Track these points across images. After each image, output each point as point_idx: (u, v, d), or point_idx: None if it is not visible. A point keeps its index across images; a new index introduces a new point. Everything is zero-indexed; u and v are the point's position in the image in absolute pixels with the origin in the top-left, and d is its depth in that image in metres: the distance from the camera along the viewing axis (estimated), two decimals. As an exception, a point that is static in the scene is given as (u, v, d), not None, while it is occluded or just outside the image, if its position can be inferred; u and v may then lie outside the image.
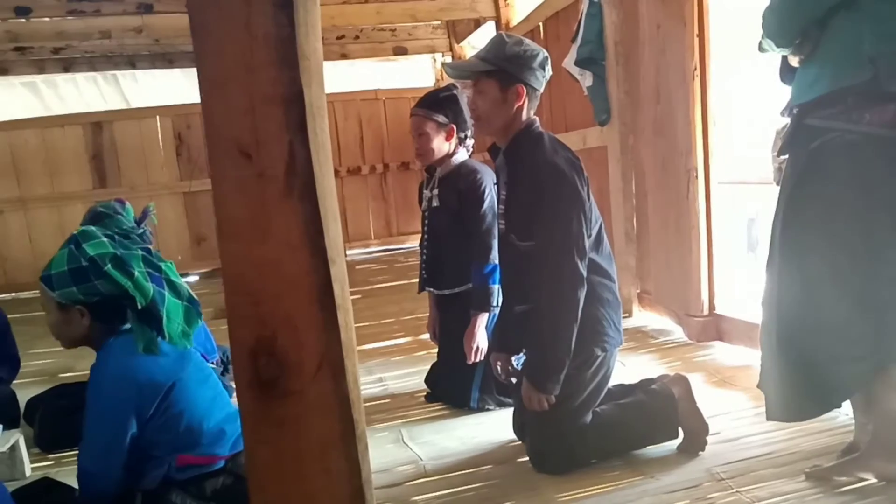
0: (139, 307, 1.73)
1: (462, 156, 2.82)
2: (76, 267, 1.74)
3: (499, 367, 2.40)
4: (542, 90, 2.20)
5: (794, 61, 1.93)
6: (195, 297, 1.91)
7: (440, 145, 2.77)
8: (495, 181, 2.66)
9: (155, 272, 1.82)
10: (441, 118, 2.75)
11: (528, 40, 2.19)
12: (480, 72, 2.14)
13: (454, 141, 2.79)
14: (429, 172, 2.91)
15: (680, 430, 2.21)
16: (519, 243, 2.18)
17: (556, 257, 2.06)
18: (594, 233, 2.16)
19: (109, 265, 1.73)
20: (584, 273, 2.07)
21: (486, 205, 2.70)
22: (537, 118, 2.22)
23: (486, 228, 2.68)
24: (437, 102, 2.77)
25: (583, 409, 2.17)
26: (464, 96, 2.79)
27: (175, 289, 1.85)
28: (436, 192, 2.85)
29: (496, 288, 2.65)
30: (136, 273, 1.74)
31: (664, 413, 2.20)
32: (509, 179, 2.22)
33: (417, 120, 2.77)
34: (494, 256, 2.64)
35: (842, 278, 1.79)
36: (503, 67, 2.11)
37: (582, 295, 2.07)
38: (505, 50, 2.11)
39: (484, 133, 2.33)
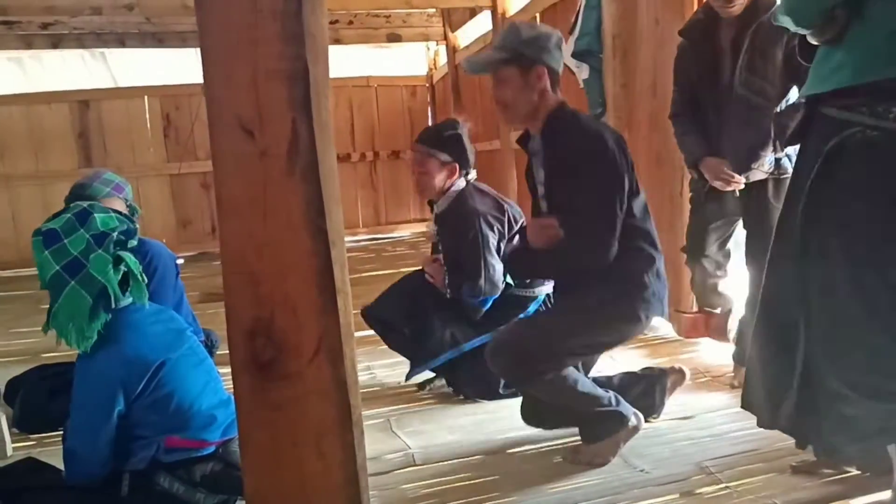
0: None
1: (460, 184, 2.74)
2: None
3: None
4: (560, 70, 2.16)
5: (814, 41, 1.61)
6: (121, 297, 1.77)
7: (441, 182, 2.72)
8: (500, 210, 2.72)
9: (83, 260, 1.73)
10: (444, 157, 2.69)
11: (540, 24, 2.15)
12: (499, 61, 2.11)
13: (456, 177, 2.73)
14: (429, 203, 2.88)
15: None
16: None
17: (588, 224, 2.04)
18: (641, 205, 2.13)
19: (42, 233, 1.76)
20: (614, 245, 2.04)
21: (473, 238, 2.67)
22: (566, 99, 2.18)
23: (473, 263, 2.64)
24: (440, 140, 2.71)
25: (570, 346, 2.12)
26: (465, 129, 2.75)
27: (88, 284, 1.71)
28: (435, 228, 2.87)
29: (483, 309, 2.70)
30: (46, 253, 1.72)
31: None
32: (548, 161, 2.16)
33: (420, 156, 2.71)
34: (483, 286, 2.64)
35: (874, 307, 1.48)
36: (521, 51, 2.08)
37: (601, 261, 2.04)
38: (520, 35, 2.09)
39: (512, 122, 2.32)
